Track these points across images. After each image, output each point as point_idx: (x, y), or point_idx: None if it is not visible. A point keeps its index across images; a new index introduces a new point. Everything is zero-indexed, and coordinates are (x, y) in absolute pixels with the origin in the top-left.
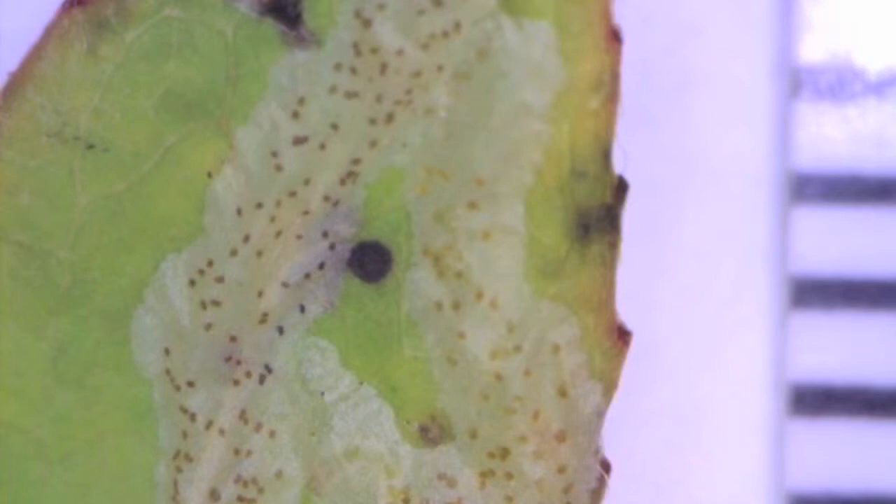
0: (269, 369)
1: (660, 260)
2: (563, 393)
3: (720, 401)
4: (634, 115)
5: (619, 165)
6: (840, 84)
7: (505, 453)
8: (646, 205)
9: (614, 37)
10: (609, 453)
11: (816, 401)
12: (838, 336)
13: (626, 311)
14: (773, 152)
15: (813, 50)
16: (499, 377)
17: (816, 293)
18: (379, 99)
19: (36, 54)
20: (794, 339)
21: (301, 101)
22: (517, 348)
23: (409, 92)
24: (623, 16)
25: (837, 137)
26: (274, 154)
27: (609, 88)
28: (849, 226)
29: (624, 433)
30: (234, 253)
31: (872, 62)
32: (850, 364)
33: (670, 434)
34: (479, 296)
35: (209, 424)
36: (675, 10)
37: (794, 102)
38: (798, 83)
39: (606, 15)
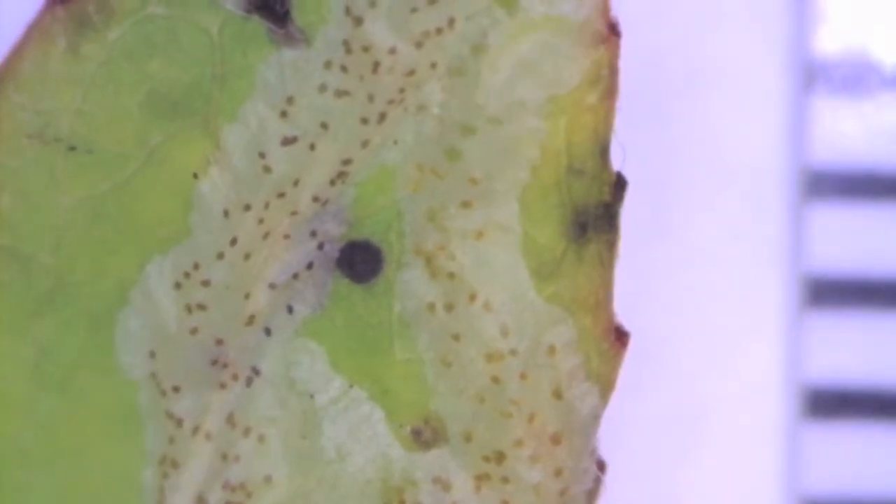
0: (256, 372)
1: (671, 258)
2: (559, 395)
3: (733, 403)
4: (646, 110)
5: (618, 162)
6: (856, 78)
7: (500, 457)
8: (658, 202)
9: (612, 30)
10: (623, 457)
11: (832, 403)
12: (854, 336)
13: (638, 311)
14: (787, 147)
15: (828, 43)
16: (495, 380)
17: (832, 292)
18: (371, 98)
19: (17, 53)
20: (808, 340)
21: (290, 100)
22: (513, 351)
23: (402, 90)
24: (634, 7)
25: (853, 132)
26: (262, 155)
27: (607, 83)
28: (865, 222)
29: (637, 436)
30: (220, 256)
31: (888, 55)
32: (867, 365)
33: (682, 437)
34: (473, 297)
35: (196, 429)
36: (688, 2)
37: (809, 96)
38: (813, 77)
39: (605, 8)
